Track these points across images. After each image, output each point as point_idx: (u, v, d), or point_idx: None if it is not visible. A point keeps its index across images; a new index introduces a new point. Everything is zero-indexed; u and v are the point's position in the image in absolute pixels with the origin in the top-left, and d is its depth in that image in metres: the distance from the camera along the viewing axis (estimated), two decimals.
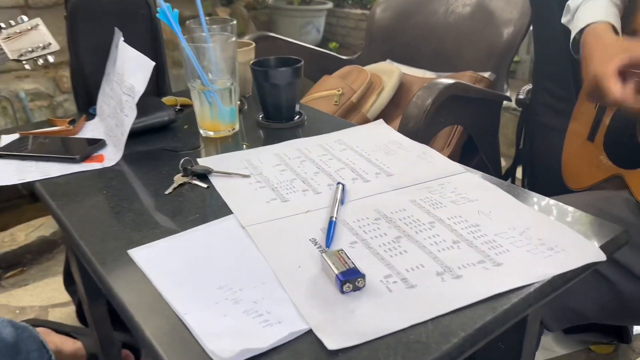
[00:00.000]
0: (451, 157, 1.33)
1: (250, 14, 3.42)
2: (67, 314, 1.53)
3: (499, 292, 0.50)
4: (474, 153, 1.42)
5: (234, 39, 0.85)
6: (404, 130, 1.08)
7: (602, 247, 0.56)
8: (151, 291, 0.52)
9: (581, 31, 0.90)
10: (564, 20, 1.03)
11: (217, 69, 0.85)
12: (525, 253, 0.56)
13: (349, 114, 1.40)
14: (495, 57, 1.40)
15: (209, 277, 0.53)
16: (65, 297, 1.54)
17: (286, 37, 1.64)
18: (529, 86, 1.37)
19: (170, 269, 0.55)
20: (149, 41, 1.00)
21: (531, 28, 1.39)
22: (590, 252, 0.55)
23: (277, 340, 0.45)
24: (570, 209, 0.64)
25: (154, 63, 0.75)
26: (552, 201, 0.66)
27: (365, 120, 1.39)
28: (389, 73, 1.46)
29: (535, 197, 0.67)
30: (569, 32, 0.99)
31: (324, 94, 1.42)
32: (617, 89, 0.75)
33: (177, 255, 0.57)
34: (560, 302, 0.77)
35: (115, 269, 0.56)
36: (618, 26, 0.88)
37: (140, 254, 0.57)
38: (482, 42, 1.43)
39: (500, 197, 0.67)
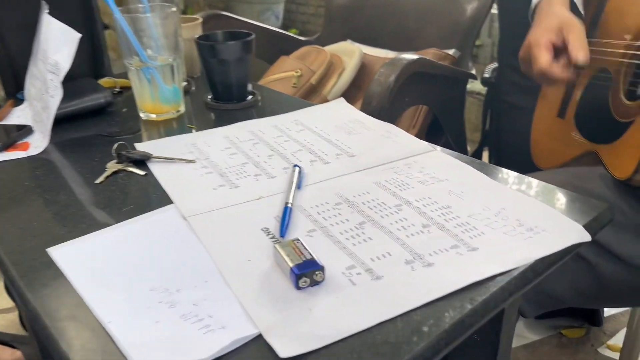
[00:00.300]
0: (417, 138, 1.28)
1: (206, 1, 3.30)
2: (10, 321, 1.42)
3: (476, 281, 0.44)
4: (439, 135, 1.37)
5: (174, 9, 0.76)
6: (367, 109, 1.02)
7: (587, 225, 0.51)
8: (72, 296, 0.44)
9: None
10: None
11: (157, 45, 0.76)
12: (502, 235, 0.50)
13: (309, 97, 1.32)
14: (459, 34, 1.35)
15: (141, 278, 0.45)
16: (8, 302, 1.43)
17: (240, 17, 1.55)
18: (494, 65, 1.33)
19: (96, 268, 0.47)
20: (82, 17, 0.90)
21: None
22: (573, 232, 0.50)
23: (218, 349, 0.37)
24: (548, 186, 0.58)
25: (79, 35, 0.66)
26: (527, 178, 0.60)
27: None
28: (350, 53, 1.39)
29: (510, 174, 0.61)
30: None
31: (281, 75, 1.34)
32: (545, 60, 0.74)
33: (105, 253, 0.49)
34: (535, 287, 0.72)
35: (31, 271, 0.47)
36: None
37: (62, 252, 0.49)
38: (444, 19, 1.38)
39: (472, 176, 0.61)
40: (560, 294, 0.72)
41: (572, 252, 0.50)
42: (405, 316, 0.41)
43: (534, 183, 0.59)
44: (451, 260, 0.47)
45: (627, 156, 0.70)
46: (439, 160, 0.65)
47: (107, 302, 0.43)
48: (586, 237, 0.50)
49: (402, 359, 0.37)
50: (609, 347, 1.37)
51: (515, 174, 0.61)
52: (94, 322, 0.41)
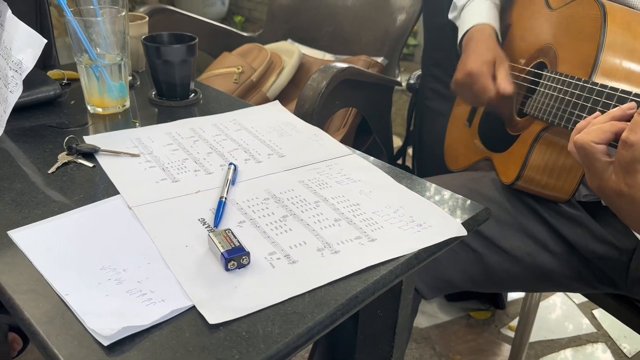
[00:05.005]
0: (347, 137, 1.39)
1: None
2: None
3: (371, 265, 0.55)
4: (369, 133, 1.49)
5: (124, 13, 0.83)
6: (300, 111, 1.11)
7: (466, 223, 0.63)
8: (32, 273, 0.52)
9: (467, 31, 0.98)
10: (450, 16, 1.11)
11: (105, 43, 0.83)
12: (397, 229, 0.61)
13: (249, 93, 1.40)
14: (389, 42, 1.46)
15: (92, 258, 0.54)
16: None
17: (185, 11, 1.60)
18: (419, 71, 1.45)
19: (52, 250, 0.55)
20: (33, 9, 0.94)
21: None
22: (453, 227, 0.62)
23: (159, 317, 0.46)
24: (442, 190, 0.70)
25: (45, 40, 0.72)
26: (426, 182, 0.72)
27: (265, 100, 1.40)
28: (289, 53, 1.48)
29: (413, 178, 0.73)
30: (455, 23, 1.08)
31: (223, 71, 1.41)
32: (494, 92, 0.87)
33: (60, 236, 0.57)
34: (433, 272, 0.84)
35: None
36: (498, 28, 0.97)
37: (21, 235, 0.56)
38: (377, 27, 1.49)
39: (380, 178, 0.72)
40: (454, 280, 0.85)
41: (453, 243, 0.61)
42: (312, 292, 0.51)
43: (431, 186, 0.71)
44: (354, 248, 0.58)
45: (512, 165, 0.83)
46: (355, 163, 0.76)
47: (63, 279, 0.51)
48: (463, 232, 0.61)
49: (305, 325, 0.48)
50: (510, 328, 1.54)
51: (416, 177, 0.73)
52: (52, 295, 0.49)
